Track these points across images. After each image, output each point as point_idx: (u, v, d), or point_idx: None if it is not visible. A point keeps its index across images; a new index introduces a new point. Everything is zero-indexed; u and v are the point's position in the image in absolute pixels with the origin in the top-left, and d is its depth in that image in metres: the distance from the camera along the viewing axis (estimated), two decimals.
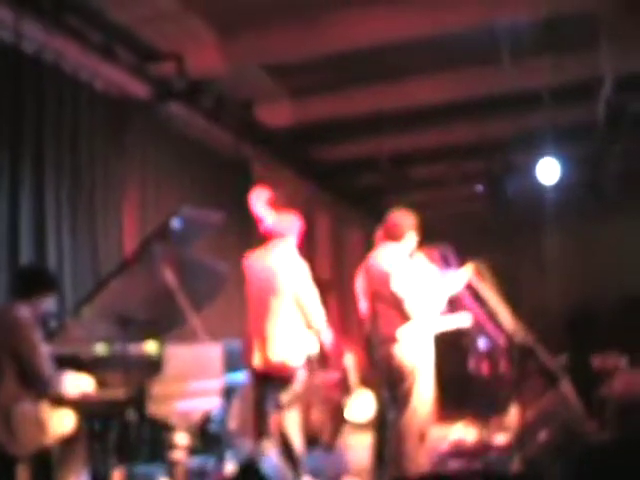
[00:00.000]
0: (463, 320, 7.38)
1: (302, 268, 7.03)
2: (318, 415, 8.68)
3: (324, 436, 8.82)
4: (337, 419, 9.35)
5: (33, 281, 6.01)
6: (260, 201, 7.26)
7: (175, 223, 6.39)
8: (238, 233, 11.32)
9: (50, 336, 6.62)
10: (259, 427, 7.07)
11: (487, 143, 13.09)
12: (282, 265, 6.99)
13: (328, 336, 7.17)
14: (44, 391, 5.75)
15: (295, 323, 6.92)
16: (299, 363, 6.90)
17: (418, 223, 7.07)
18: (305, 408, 7.47)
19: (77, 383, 5.98)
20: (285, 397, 6.96)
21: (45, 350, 5.87)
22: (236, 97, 10.73)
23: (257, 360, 6.93)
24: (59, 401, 5.91)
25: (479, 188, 15.26)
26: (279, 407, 7.00)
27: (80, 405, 6.01)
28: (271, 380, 6.97)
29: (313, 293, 7.02)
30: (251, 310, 7.09)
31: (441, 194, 16.25)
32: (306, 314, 6.98)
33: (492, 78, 10.48)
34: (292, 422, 7.01)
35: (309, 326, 7.04)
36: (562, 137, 11.82)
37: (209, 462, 8.00)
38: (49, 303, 6.07)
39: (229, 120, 10.95)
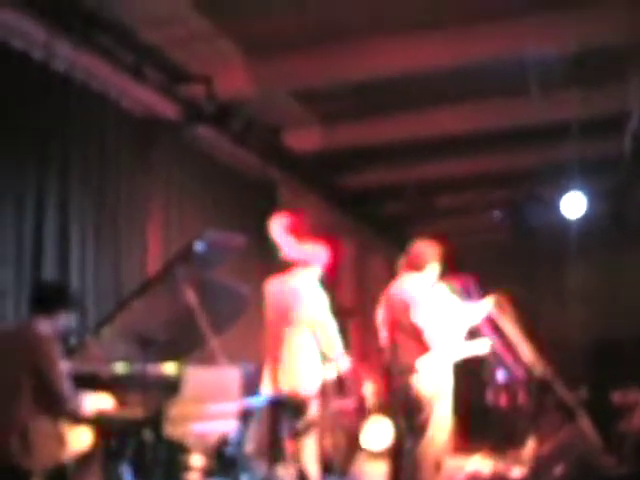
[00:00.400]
0: (482, 346, 7.37)
1: (321, 298, 7.05)
2: (333, 442, 8.68)
3: (339, 463, 8.82)
4: (353, 446, 9.35)
5: (53, 297, 6.00)
6: (280, 227, 7.29)
7: (199, 246, 6.43)
8: (261, 257, 11.34)
9: (70, 353, 6.67)
10: (273, 452, 7.09)
11: (513, 173, 13.12)
12: (301, 293, 7.01)
13: (345, 365, 7.20)
14: (62, 410, 5.73)
15: (310, 351, 6.94)
16: (312, 391, 6.92)
17: (441, 253, 7.08)
18: (320, 435, 7.47)
19: (96, 404, 5.99)
20: (299, 425, 6.97)
21: (64, 368, 5.91)
22: (264, 121, 10.79)
23: (271, 385, 6.95)
24: (76, 417, 5.95)
25: (497, 215, 15.27)
26: (294, 434, 7.01)
27: (97, 422, 6.02)
28: (285, 406, 6.98)
29: (331, 323, 7.04)
30: (267, 336, 7.12)
31: (466, 223, 16.24)
32: (323, 344, 7.01)
33: (520, 109, 10.53)
34: (308, 450, 7.01)
35: (325, 355, 7.06)
36: (588, 169, 11.82)
37: None
38: (69, 319, 6.06)
39: (257, 144, 10.98)
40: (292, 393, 6.87)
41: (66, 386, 5.73)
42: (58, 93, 7.78)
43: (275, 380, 6.92)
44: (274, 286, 7.21)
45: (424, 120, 11.12)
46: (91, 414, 5.95)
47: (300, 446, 7.00)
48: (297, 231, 7.33)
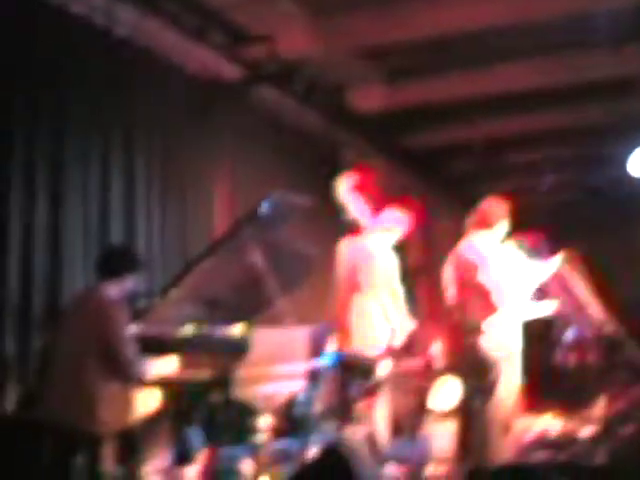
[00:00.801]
0: (548, 308, 7.33)
1: (390, 260, 7.07)
2: (402, 403, 8.71)
3: (408, 424, 8.84)
4: (422, 407, 9.36)
5: (119, 260, 6.05)
6: (346, 188, 7.29)
7: (265, 207, 6.47)
8: (327, 219, 11.37)
9: (137, 316, 6.76)
10: (342, 413, 7.13)
11: (581, 129, 12.96)
12: (370, 254, 7.03)
13: (410, 326, 7.21)
14: (127, 374, 5.78)
15: (378, 312, 6.96)
16: (381, 351, 6.95)
17: (510, 211, 7.04)
18: (390, 396, 7.50)
19: (161, 369, 6.04)
20: (368, 385, 7.01)
21: (130, 332, 5.97)
22: (328, 81, 10.76)
23: (341, 345, 6.98)
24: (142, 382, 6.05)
25: (547, 180, 15.24)
26: (364, 394, 7.05)
27: (165, 385, 6.10)
28: (353, 368, 7.02)
29: (398, 285, 7.06)
30: (336, 296, 7.14)
31: (534, 181, 16.09)
32: (389, 305, 7.02)
33: (588, 63, 10.39)
34: (378, 411, 7.05)
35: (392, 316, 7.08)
36: None
37: (293, 445, 8.10)
38: (135, 282, 6.13)
39: (320, 104, 10.98)
40: (361, 353, 6.90)
41: (131, 351, 5.78)
42: (121, 59, 7.84)
43: (344, 340, 6.95)
44: (346, 247, 7.22)
45: (491, 76, 11.01)
46: (157, 378, 6.05)
47: (370, 407, 7.05)
48: (366, 190, 7.32)
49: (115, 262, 6.03)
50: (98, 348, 5.68)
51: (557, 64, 10.69)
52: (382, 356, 6.97)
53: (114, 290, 5.89)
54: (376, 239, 7.12)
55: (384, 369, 7.02)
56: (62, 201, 7.08)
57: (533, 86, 11.12)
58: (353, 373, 7.03)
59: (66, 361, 5.76)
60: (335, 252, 7.28)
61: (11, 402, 6.51)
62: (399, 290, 7.06)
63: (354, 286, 6.98)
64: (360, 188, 7.32)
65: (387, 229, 7.15)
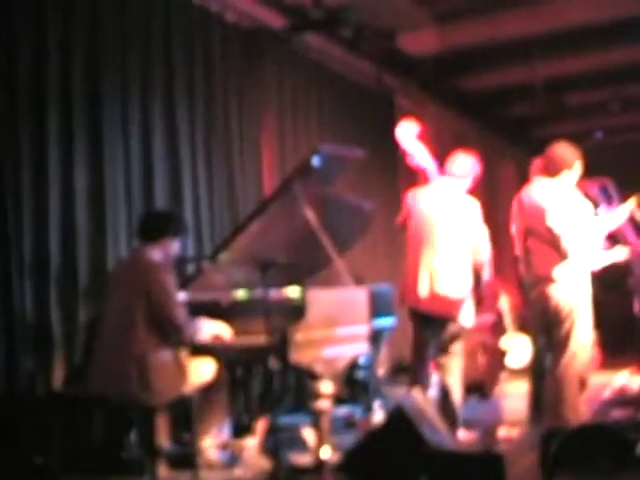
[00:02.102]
0: (620, 254, 7.19)
1: (476, 206, 6.96)
2: (472, 362, 8.63)
3: (481, 383, 8.77)
4: (493, 365, 9.28)
5: (161, 224, 6.03)
6: (409, 135, 7.16)
7: (315, 160, 6.38)
8: (381, 169, 11.29)
9: (188, 282, 6.73)
10: (416, 375, 7.04)
11: None
12: (456, 202, 6.91)
13: (488, 274, 7.12)
14: (178, 338, 5.79)
15: (459, 260, 6.85)
16: (464, 296, 6.84)
17: (580, 158, 6.87)
18: (467, 353, 7.41)
19: (214, 329, 6.04)
20: (446, 339, 6.91)
21: (178, 295, 5.94)
22: (377, 25, 10.61)
23: (422, 294, 6.84)
24: (198, 348, 6.00)
25: (598, 135, 15.03)
26: (440, 350, 6.96)
27: (220, 352, 6.08)
28: (433, 321, 6.91)
29: (484, 231, 6.96)
30: (414, 248, 7.01)
31: (600, 123, 15.85)
32: (476, 250, 6.92)
33: None
34: (454, 368, 6.97)
35: (474, 263, 6.98)
36: None
37: (356, 411, 8.06)
38: (178, 246, 6.11)
39: (370, 50, 10.86)
40: (445, 298, 6.78)
41: (181, 313, 5.76)
42: (160, 10, 7.78)
43: (429, 286, 6.83)
44: (422, 196, 7.08)
45: (549, 12, 10.77)
46: (211, 341, 6.01)
47: (445, 366, 6.96)
48: (422, 138, 7.20)
49: (157, 226, 6.01)
50: (147, 313, 5.67)
51: None
52: (464, 302, 6.84)
53: (157, 254, 5.87)
54: (449, 187, 6.99)
55: (457, 326, 6.91)
56: (103, 165, 7.04)
57: (596, 20, 10.85)
58: (432, 328, 6.93)
59: (114, 330, 5.76)
60: (406, 202, 7.12)
61: (59, 377, 6.51)
62: (485, 232, 6.95)
63: (433, 233, 6.85)
64: (422, 136, 7.19)
65: (458, 176, 7.02)
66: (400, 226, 7.21)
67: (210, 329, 6.02)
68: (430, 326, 6.91)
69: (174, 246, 6.02)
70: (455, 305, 6.81)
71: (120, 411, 6.39)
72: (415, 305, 6.88)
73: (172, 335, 5.74)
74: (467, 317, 6.93)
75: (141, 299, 5.66)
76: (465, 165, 7.09)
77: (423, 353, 6.99)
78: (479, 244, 6.96)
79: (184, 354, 5.88)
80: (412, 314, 6.99)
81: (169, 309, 5.70)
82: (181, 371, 5.77)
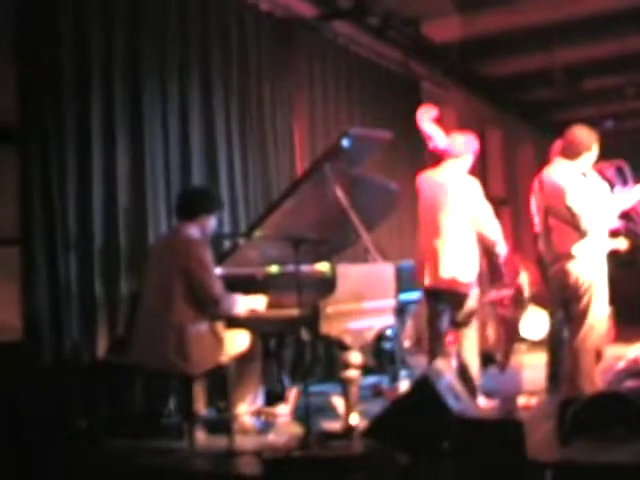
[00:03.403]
0: (619, 244, 7.17)
1: (475, 185, 6.95)
2: (493, 334, 8.62)
3: (498, 355, 8.77)
4: (511, 338, 9.27)
5: (197, 201, 6.09)
6: (428, 119, 7.17)
7: (345, 143, 6.39)
8: (408, 152, 11.27)
9: (223, 258, 6.77)
10: (432, 346, 7.07)
11: None
12: (455, 183, 6.91)
13: (503, 249, 7.11)
14: (215, 311, 5.86)
15: (466, 240, 6.86)
16: (471, 279, 6.86)
17: (597, 141, 6.85)
18: (480, 326, 7.42)
19: (249, 303, 6.08)
20: (460, 315, 6.94)
21: (215, 270, 6.00)
22: (403, 14, 10.58)
23: (428, 278, 6.89)
24: (233, 320, 6.05)
25: (609, 124, 14.93)
26: (455, 325, 6.98)
27: (254, 324, 6.12)
28: (444, 299, 6.95)
29: (487, 208, 6.95)
30: (422, 228, 7.05)
31: (618, 107, 15.75)
32: (481, 229, 6.92)
33: None
34: (469, 341, 6.96)
35: (485, 241, 6.98)
36: None
37: (383, 381, 8.09)
38: (214, 222, 6.16)
39: (397, 38, 10.85)
40: (450, 284, 6.81)
41: (218, 286, 5.83)
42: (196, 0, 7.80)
43: (433, 272, 6.85)
44: (426, 179, 7.10)
45: (568, 0, 10.73)
46: (246, 314, 6.05)
47: (460, 338, 6.98)
48: (441, 121, 7.20)
49: (193, 203, 6.07)
50: (185, 287, 5.73)
51: None
52: (471, 285, 6.86)
53: (194, 230, 5.93)
54: (454, 168, 6.99)
55: (473, 298, 6.92)
56: (143, 147, 7.08)
57: (614, 8, 10.77)
58: (444, 305, 6.95)
59: (154, 303, 5.81)
60: (417, 184, 7.14)
61: (102, 347, 6.57)
62: (489, 211, 6.94)
63: (440, 214, 6.86)
64: (439, 120, 7.20)
65: (457, 155, 7.02)
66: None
67: (246, 303, 6.07)
68: (441, 301, 6.93)
69: (211, 222, 6.07)
70: (465, 283, 6.83)
71: (160, 379, 6.46)
72: (429, 284, 6.91)
73: (210, 307, 5.81)
74: (472, 298, 6.95)
75: (180, 274, 5.72)
76: (462, 144, 7.09)
77: (437, 326, 7.02)
78: (484, 222, 6.95)
79: (220, 326, 5.93)
80: (424, 290, 7.02)
81: (207, 283, 5.75)
82: (217, 342, 5.82)
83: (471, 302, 6.91)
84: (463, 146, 7.08)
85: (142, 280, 6.22)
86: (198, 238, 5.90)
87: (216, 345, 5.80)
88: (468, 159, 7.06)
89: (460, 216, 6.82)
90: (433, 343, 7.08)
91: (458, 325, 6.95)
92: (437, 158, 7.24)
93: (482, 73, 13.58)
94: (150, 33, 7.23)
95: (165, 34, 7.39)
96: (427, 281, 6.90)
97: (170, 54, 7.43)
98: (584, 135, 6.76)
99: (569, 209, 6.51)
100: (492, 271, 7.14)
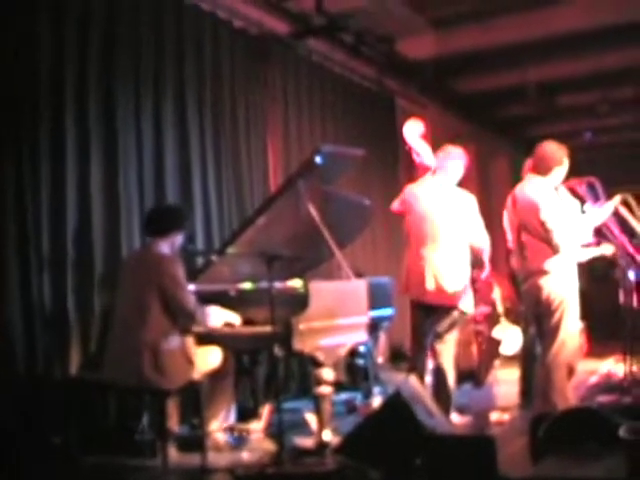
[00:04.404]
0: (606, 249, 7.22)
1: (471, 199, 6.99)
2: (466, 350, 8.64)
3: (475, 370, 8.78)
4: (492, 354, 9.29)
5: (171, 219, 6.12)
6: (415, 134, 7.18)
7: (318, 159, 6.38)
8: (382, 168, 11.30)
9: (197, 274, 6.75)
10: (415, 361, 7.06)
11: (637, 69, 12.67)
12: (451, 196, 6.94)
13: (487, 260, 7.16)
14: (189, 324, 5.89)
15: (458, 252, 6.87)
16: (461, 289, 6.86)
17: (567, 156, 6.89)
18: (464, 343, 7.43)
19: (222, 316, 6.08)
20: (443, 326, 6.95)
21: (188, 284, 5.98)
22: (377, 31, 10.60)
23: (418, 291, 6.86)
24: (206, 336, 6.04)
25: (588, 136, 15.06)
26: (436, 337, 6.98)
27: (227, 340, 6.11)
28: (434, 309, 6.93)
29: (479, 220, 6.99)
30: (411, 240, 7.02)
31: (591, 123, 15.83)
32: (474, 240, 6.95)
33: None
34: (447, 355, 6.99)
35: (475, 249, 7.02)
36: None
37: (356, 397, 8.08)
38: (182, 238, 6.14)
39: (371, 55, 10.89)
40: (444, 297, 6.81)
41: (191, 300, 5.85)
42: (172, 15, 7.79)
43: (424, 285, 6.85)
44: (418, 192, 7.09)
45: (541, 18, 10.75)
46: (221, 332, 6.05)
47: (439, 349, 6.98)
48: (425, 137, 7.22)
49: (165, 221, 6.09)
50: (160, 302, 5.73)
51: (611, 3, 10.41)
52: (461, 295, 6.86)
53: (166, 247, 5.95)
54: (444, 183, 7.01)
55: (460, 309, 6.93)
56: (117, 162, 7.06)
57: (585, 26, 10.82)
58: (430, 319, 6.94)
59: (126, 319, 5.81)
60: (404, 198, 7.13)
61: (75, 363, 6.54)
62: (480, 222, 6.99)
63: (432, 225, 6.87)
64: (425, 135, 7.22)
65: (448, 169, 7.04)
66: (395, 212, 7.23)
67: (220, 315, 6.08)
68: (431, 315, 6.93)
69: (178, 238, 6.07)
70: (457, 296, 6.85)
71: (133, 395, 6.43)
72: (421, 297, 6.90)
73: (184, 321, 5.83)
74: (467, 303, 6.97)
75: (153, 290, 5.72)
76: (453, 157, 7.12)
77: (423, 342, 7.01)
78: (477, 235, 7.00)
79: (190, 341, 5.92)
80: (415, 305, 7.01)
81: (180, 297, 5.77)
82: (190, 358, 5.81)
83: (457, 314, 6.92)
84: (455, 160, 7.10)
85: (114, 295, 6.19)
86: (170, 255, 5.92)
87: (189, 361, 5.79)
88: (459, 173, 7.09)
89: (455, 228, 6.85)
90: (415, 358, 7.07)
91: (439, 337, 6.96)
92: (414, 173, 7.25)
93: (456, 89, 13.65)
94: (125, 48, 7.22)
95: (140, 50, 7.39)
96: (417, 294, 6.90)
97: (144, 70, 7.42)
98: (554, 150, 6.80)
99: (542, 224, 6.54)
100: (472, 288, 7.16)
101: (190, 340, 5.93)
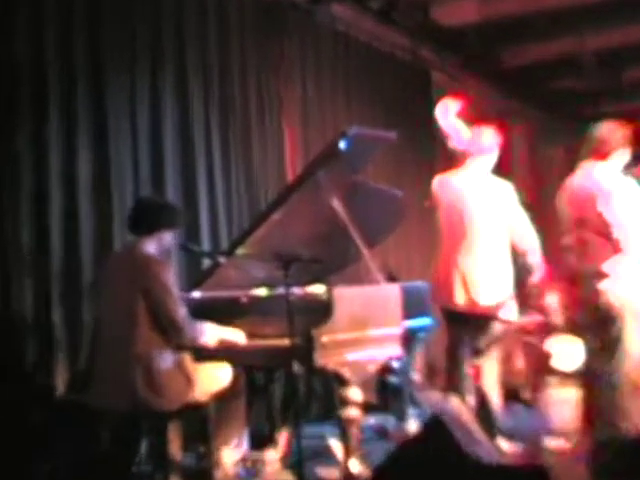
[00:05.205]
0: None
1: (508, 188, 6.96)
2: (519, 365, 8.63)
3: (524, 390, 8.76)
4: (539, 370, 9.26)
5: (155, 215, 6.03)
6: (450, 113, 7.15)
7: (342, 145, 6.36)
8: (416, 154, 11.28)
9: (202, 279, 6.75)
10: (450, 380, 7.06)
11: None
12: (484, 186, 6.91)
13: (540, 264, 7.12)
14: (178, 338, 5.78)
15: (499, 253, 6.85)
16: (501, 300, 6.85)
17: (631, 137, 6.85)
18: (505, 356, 7.42)
19: (221, 334, 6.03)
20: (483, 341, 6.94)
21: (178, 291, 5.90)
22: None
23: (451, 299, 6.87)
24: (213, 353, 6.00)
25: None
26: (476, 353, 6.97)
27: (238, 356, 6.09)
28: (468, 321, 6.92)
29: (522, 214, 6.96)
30: (444, 240, 7.02)
31: None
32: (517, 238, 6.93)
33: None
34: (490, 373, 6.97)
35: (520, 251, 6.99)
36: None
37: (388, 421, 8.08)
38: (172, 238, 6.09)
39: (403, 22, 10.88)
40: (480, 307, 6.80)
41: (181, 311, 5.77)
42: None
43: (458, 293, 6.84)
44: (447, 183, 7.08)
45: None
46: (215, 345, 6.01)
47: (481, 369, 6.97)
48: (465, 117, 7.18)
49: (150, 217, 6.02)
50: (149, 310, 5.70)
51: None
52: (500, 306, 6.85)
53: (153, 247, 5.89)
54: (478, 169, 6.99)
55: (502, 322, 6.91)
56: (108, 151, 7.10)
57: None
58: (465, 330, 6.94)
59: (114, 332, 5.79)
60: (433, 190, 7.12)
61: (62, 381, 6.56)
62: (525, 216, 6.96)
63: (466, 223, 6.86)
64: (463, 115, 7.18)
65: (483, 151, 7.01)
66: (430, 209, 7.22)
67: (217, 333, 6.01)
68: (465, 325, 6.92)
69: (168, 238, 6.02)
70: (492, 306, 6.82)
71: (129, 420, 6.43)
72: (448, 304, 6.90)
73: (172, 334, 5.76)
74: (511, 310, 6.95)
75: (141, 297, 5.69)
76: (487, 138, 7.09)
77: (457, 355, 7.00)
78: (520, 231, 6.96)
79: (188, 359, 5.87)
80: (445, 313, 7.01)
81: (168, 306, 5.71)
82: (186, 376, 5.77)
83: (496, 327, 6.90)
84: (485, 143, 7.07)
85: (99, 309, 6.19)
86: (158, 256, 5.87)
87: (186, 378, 5.75)
88: (493, 157, 7.06)
89: (493, 225, 6.82)
90: (451, 376, 7.06)
91: (479, 353, 6.94)
92: (452, 160, 7.23)
93: (502, 61, 13.60)
94: (116, 17, 7.22)
95: (134, 19, 7.40)
96: (450, 303, 6.89)
97: (139, 43, 7.43)
98: (611, 132, 6.75)
99: (602, 218, 6.48)
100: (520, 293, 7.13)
101: (186, 357, 5.87)
